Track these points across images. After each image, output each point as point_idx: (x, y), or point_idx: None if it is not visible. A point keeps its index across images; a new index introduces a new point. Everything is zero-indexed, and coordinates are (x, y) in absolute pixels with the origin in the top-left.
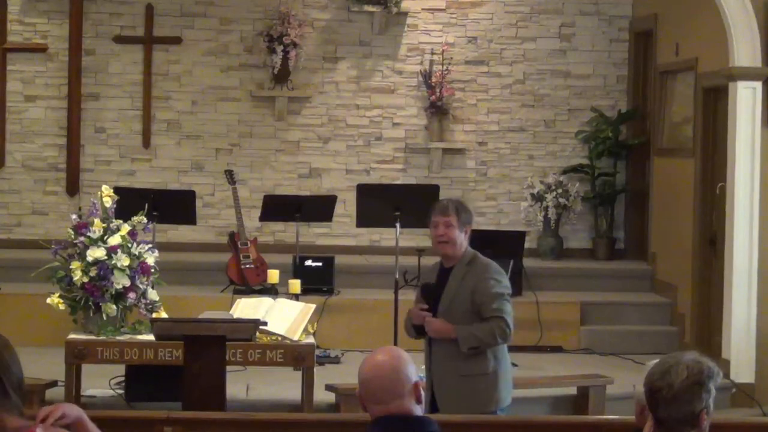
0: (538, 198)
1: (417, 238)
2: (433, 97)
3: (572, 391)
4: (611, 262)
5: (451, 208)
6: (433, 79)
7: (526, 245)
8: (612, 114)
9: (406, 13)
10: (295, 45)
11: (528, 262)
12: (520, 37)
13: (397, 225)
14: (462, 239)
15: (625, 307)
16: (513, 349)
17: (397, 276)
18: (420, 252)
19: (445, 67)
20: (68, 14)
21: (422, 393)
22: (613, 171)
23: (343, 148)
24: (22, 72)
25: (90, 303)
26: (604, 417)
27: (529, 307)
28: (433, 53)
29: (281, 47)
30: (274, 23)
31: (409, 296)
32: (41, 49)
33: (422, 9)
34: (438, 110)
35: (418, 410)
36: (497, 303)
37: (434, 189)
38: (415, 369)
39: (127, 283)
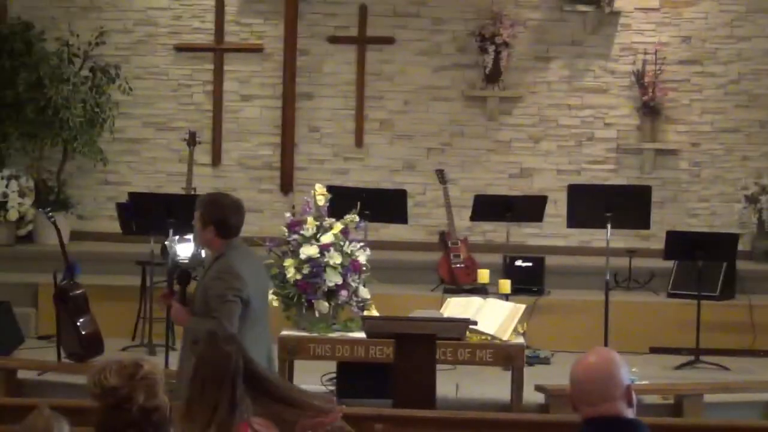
0: (752, 200)
1: (628, 239)
2: (646, 97)
3: None
4: None
5: (197, 203)
6: (646, 79)
7: (740, 247)
8: None
9: (619, 13)
10: (507, 45)
11: (741, 265)
12: (735, 37)
13: (608, 226)
14: (207, 235)
15: None
16: (724, 353)
17: (607, 277)
18: (631, 253)
19: (658, 67)
20: (283, 15)
21: (634, 396)
22: None
23: (554, 148)
24: (238, 72)
25: (303, 300)
26: None
27: (742, 310)
28: (646, 53)
29: (493, 47)
30: (487, 23)
31: (620, 298)
32: (257, 50)
33: (635, 8)
34: (651, 110)
35: (630, 413)
36: (217, 304)
37: (646, 190)
38: (627, 372)
39: (339, 280)
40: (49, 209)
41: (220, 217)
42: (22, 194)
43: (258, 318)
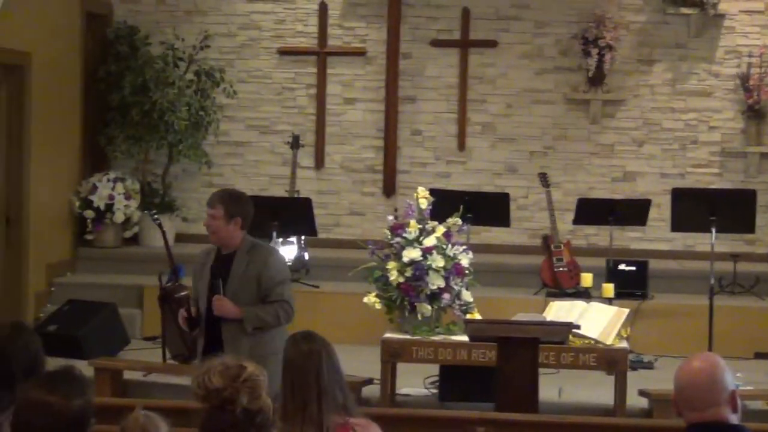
0: None
1: (732, 243)
2: (751, 100)
3: None
4: None
5: (216, 200)
6: (751, 82)
7: None
8: None
9: (723, 15)
10: (610, 48)
11: None
12: None
13: (713, 230)
14: (231, 229)
15: None
16: None
17: (712, 281)
18: (735, 257)
19: (763, 70)
20: (386, 18)
21: (739, 402)
22: None
23: (657, 151)
24: (341, 75)
25: (405, 303)
26: None
27: None
28: (751, 56)
29: (596, 50)
30: (590, 26)
31: (724, 302)
32: (360, 53)
33: (740, 11)
34: (756, 114)
35: (734, 419)
36: (281, 288)
37: (751, 194)
38: (732, 377)
39: (442, 283)
40: (154, 212)
41: (246, 211)
42: (128, 197)
43: None
